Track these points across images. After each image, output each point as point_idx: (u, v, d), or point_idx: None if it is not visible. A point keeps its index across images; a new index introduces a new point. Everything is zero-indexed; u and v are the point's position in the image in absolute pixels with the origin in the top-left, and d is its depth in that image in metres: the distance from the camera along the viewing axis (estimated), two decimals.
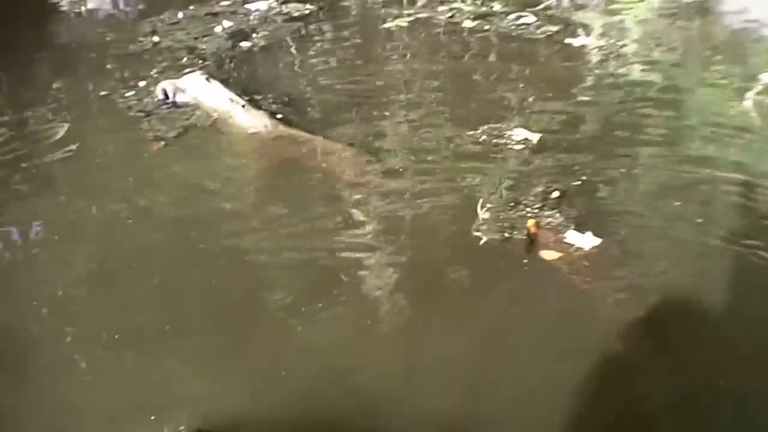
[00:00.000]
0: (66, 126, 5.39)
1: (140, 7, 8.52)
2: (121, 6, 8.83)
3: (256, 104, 5.44)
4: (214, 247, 3.91)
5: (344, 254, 3.82)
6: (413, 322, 3.33)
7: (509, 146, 4.68)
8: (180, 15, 7.63)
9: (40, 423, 2.98)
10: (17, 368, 3.24)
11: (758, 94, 5.20)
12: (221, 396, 3.03)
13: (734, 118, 4.95)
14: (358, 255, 3.79)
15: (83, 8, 8.64)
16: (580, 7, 7.41)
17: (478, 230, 3.83)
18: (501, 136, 4.79)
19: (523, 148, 4.65)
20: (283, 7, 7.76)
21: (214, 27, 7.20)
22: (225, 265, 3.78)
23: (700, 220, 3.91)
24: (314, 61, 6.52)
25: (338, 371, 3.10)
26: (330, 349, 3.23)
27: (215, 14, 7.62)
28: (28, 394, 3.10)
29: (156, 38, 7.03)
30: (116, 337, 3.31)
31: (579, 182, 4.25)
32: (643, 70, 5.86)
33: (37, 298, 3.62)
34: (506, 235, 3.78)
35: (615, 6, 7.43)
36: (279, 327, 3.37)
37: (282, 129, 5.11)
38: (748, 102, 5.10)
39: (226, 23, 7.26)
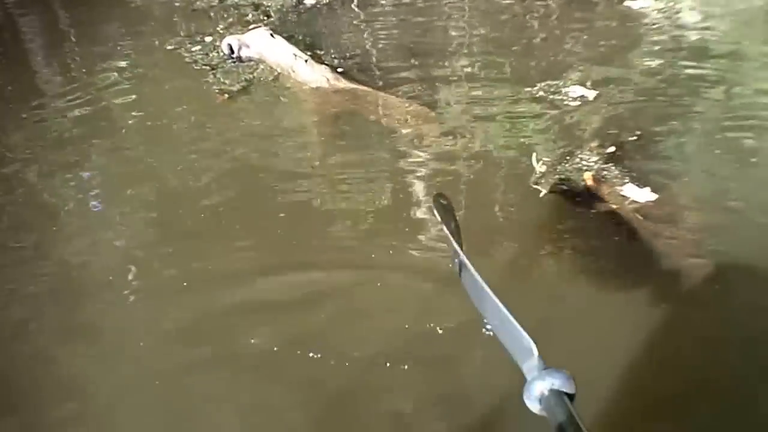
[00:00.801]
0: (135, 80, 5.47)
1: None
2: None
3: (318, 59, 5.43)
4: (279, 195, 3.93)
5: (403, 204, 3.80)
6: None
7: (566, 102, 4.63)
8: None
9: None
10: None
11: None
12: None
13: None
14: (417, 208, 3.78)
15: None
16: None
17: (536, 183, 3.79)
18: (558, 93, 4.74)
19: (580, 105, 4.59)
20: None
21: None
22: (289, 214, 3.77)
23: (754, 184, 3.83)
24: (376, 19, 6.48)
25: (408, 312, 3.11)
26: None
27: None
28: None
29: None
30: (184, 284, 3.35)
31: (635, 138, 4.18)
32: (701, 34, 5.70)
33: (103, 245, 3.69)
34: (564, 187, 3.74)
35: None
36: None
37: (343, 83, 5.10)
38: None
39: None
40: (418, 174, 4.03)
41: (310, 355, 2.83)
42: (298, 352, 2.85)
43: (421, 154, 4.24)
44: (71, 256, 3.59)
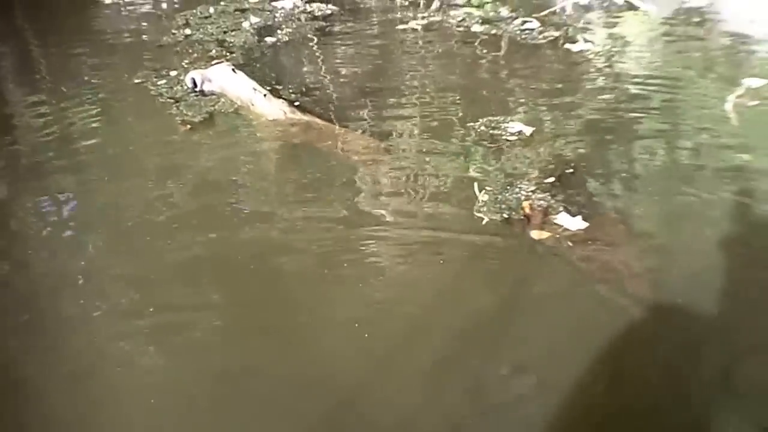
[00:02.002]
0: (102, 111, 5.52)
1: (176, 2, 8.63)
2: (158, 0, 8.96)
3: (277, 94, 5.52)
4: (235, 221, 4.02)
5: (354, 232, 3.89)
6: (419, 298, 3.42)
7: (504, 137, 4.76)
8: (211, 10, 7.73)
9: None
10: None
11: (738, 97, 5.23)
12: None
13: (716, 120, 5.00)
14: (367, 237, 3.86)
15: (122, 1, 8.77)
16: (582, 15, 7.45)
17: (479, 211, 3.91)
18: (498, 128, 4.87)
19: (518, 139, 4.73)
20: (307, 6, 7.84)
21: (242, 22, 7.29)
22: (244, 242, 3.85)
23: (687, 210, 4.00)
24: (333, 56, 6.59)
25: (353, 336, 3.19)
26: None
27: (244, 10, 7.72)
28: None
29: (188, 31, 7.12)
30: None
31: (571, 170, 4.31)
32: (637, 75, 5.88)
33: (63, 270, 3.72)
34: (505, 215, 3.86)
35: (616, 15, 7.46)
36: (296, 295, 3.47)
37: (300, 116, 5.19)
38: (728, 105, 5.14)
39: (254, 19, 7.35)
40: (372, 209, 4.12)
41: None
42: None
43: (374, 188, 4.33)
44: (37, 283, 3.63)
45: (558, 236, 3.67)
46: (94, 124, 5.29)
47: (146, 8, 8.55)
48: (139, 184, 4.46)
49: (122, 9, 8.60)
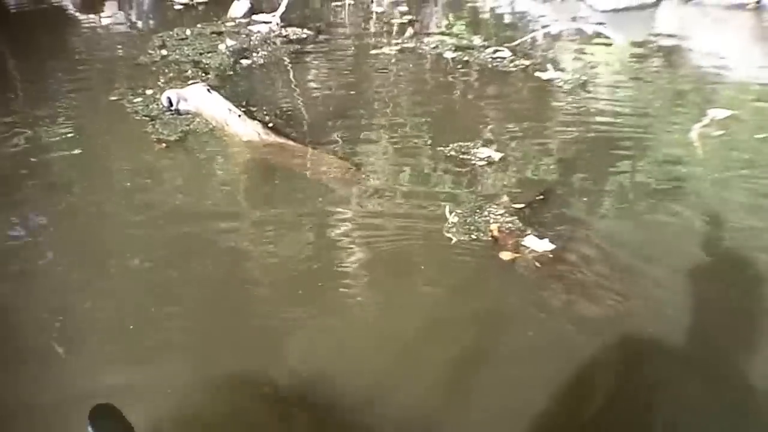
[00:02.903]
0: (77, 127, 5.52)
1: (152, 23, 8.68)
2: (134, 21, 8.99)
3: (251, 115, 5.55)
4: (206, 240, 4.03)
5: (326, 250, 3.94)
6: (387, 312, 3.47)
7: (473, 161, 4.84)
8: (188, 32, 7.76)
9: None
10: None
11: (703, 126, 5.36)
12: None
13: (681, 147, 5.13)
14: (338, 253, 3.91)
15: (99, 22, 8.79)
16: (553, 45, 7.58)
17: (448, 231, 3.97)
18: (468, 153, 4.95)
19: (486, 164, 4.81)
20: (283, 30, 7.91)
21: (218, 45, 7.33)
22: (215, 260, 3.87)
23: (653, 233, 4.10)
24: (307, 79, 6.68)
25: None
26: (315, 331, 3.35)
27: (220, 33, 7.77)
28: None
29: (164, 51, 7.16)
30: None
31: (540, 196, 4.38)
32: (607, 103, 6.01)
33: (38, 282, 3.72)
34: (473, 236, 3.92)
35: (586, 44, 7.59)
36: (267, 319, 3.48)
37: (273, 137, 5.23)
38: (693, 134, 5.26)
39: (230, 42, 7.40)
40: (344, 229, 4.17)
41: None
42: None
43: (346, 209, 4.38)
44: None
45: (526, 257, 3.73)
46: (67, 141, 5.28)
47: (122, 28, 8.60)
48: (112, 201, 4.48)
49: (98, 28, 8.63)
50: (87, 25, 8.75)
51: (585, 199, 4.45)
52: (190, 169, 4.88)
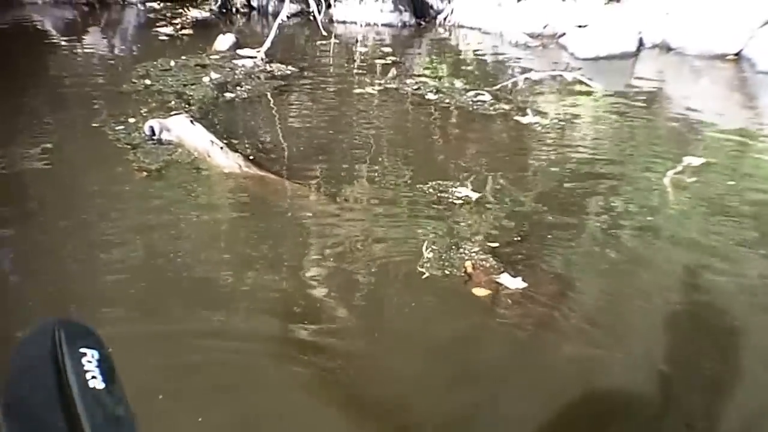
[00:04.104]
0: (58, 153, 5.63)
1: (135, 52, 8.86)
2: (117, 49, 9.18)
3: (233, 147, 5.71)
4: (184, 271, 4.09)
5: (303, 285, 4.03)
6: (360, 341, 3.58)
7: (451, 200, 5.01)
8: (172, 63, 7.96)
9: None
10: None
11: (676, 173, 5.59)
12: None
13: (655, 193, 5.36)
14: (315, 287, 4.01)
15: (82, 47, 8.97)
16: (534, 91, 7.83)
17: (422, 266, 4.13)
18: (446, 192, 5.12)
19: (464, 203, 4.98)
20: (268, 66, 8.12)
21: (202, 77, 7.52)
22: (191, 292, 3.93)
23: (624, 278, 4.27)
24: (290, 115, 6.87)
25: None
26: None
27: (204, 66, 7.97)
28: None
29: (148, 81, 7.33)
30: None
31: (517, 236, 4.57)
32: (584, 149, 6.24)
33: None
34: (446, 272, 4.08)
35: (566, 91, 7.85)
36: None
37: (254, 170, 5.39)
38: (667, 180, 5.49)
39: (214, 75, 7.60)
40: (318, 260, 4.30)
41: None
42: None
43: (321, 240, 4.52)
44: None
45: (499, 294, 3.89)
46: (48, 167, 5.38)
47: (105, 54, 8.77)
48: (86, 230, 4.54)
49: (80, 53, 8.80)
50: (69, 50, 8.93)
51: (559, 240, 4.62)
52: (169, 199, 4.98)
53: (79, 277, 4.02)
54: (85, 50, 9.06)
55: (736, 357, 3.59)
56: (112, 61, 8.62)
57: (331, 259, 4.28)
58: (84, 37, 9.98)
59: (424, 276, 4.05)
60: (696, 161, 5.80)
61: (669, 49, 9.55)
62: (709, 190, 5.43)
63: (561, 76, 8.00)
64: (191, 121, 5.84)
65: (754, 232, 4.78)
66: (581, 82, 7.82)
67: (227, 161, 5.47)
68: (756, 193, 5.41)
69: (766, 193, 5.40)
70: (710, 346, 3.68)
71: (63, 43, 9.27)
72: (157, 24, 10.56)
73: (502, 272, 4.08)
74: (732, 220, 4.95)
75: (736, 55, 9.18)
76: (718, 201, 5.27)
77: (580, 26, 9.56)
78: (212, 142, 5.62)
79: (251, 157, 5.61)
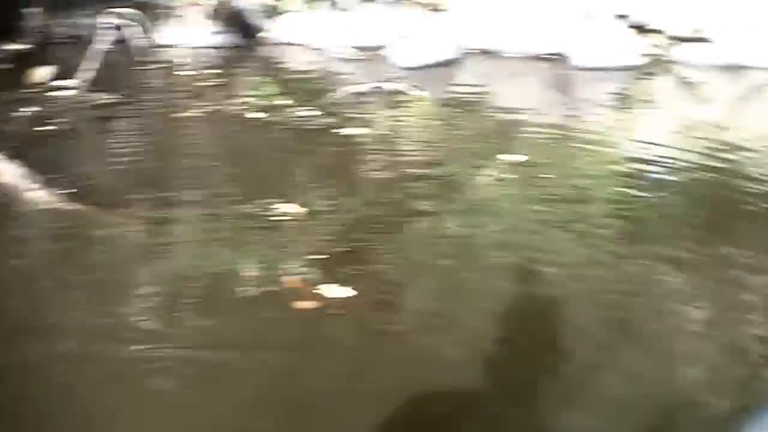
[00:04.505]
0: None
1: None
2: None
3: (53, 182, 5.57)
4: None
5: (122, 315, 4.01)
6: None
7: (278, 218, 5.10)
8: None
9: None
10: None
11: (501, 171, 5.93)
12: None
13: (480, 191, 5.68)
14: (133, 313, 4.03)
15: None
16: (361, 103, 7.98)
17: (242, 285, 4.20)
18: (273, 209, 5.19)
19: (291, 219, 5.08)
20: (89, 95, 7.95)
21: (18, 111, 7.28)
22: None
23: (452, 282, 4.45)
24: (113, 145, 6.75)
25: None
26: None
27: (20, 100, 7.68)
28: None
29: None
30: None
31: (346, 248, 4.72)
32: (411, 158, 6.47)
33: None
34: (266, 289, 4.19)
35: (391, 101, 8.04)
36: None
37: (73, 205, 5.28)
38: (491, 178, 5.83)
39: (31, 108, 7.36)
40: (136, 285, 4.31)
41: None
42: None
43: (146, 269, 4.52)
44: None
45: (325, 306, 4.00)
46: None
47: None
48: None
49: None
50: None
51: (389, 246, 4.83)
52: None
53: None
54: None
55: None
56: None
57: (152, 284, 4.29)
58: None
59: (246, 294, 4.14)
60: (514, 158, 6.10)
61: (490, 53, 9.92)
62: (530, 184, 5.75)
63: (384, 87, 8.19)
64: (5, 158, 5.67)
65: (573, 217, 5.14)
66: (406, 92, 8.03)
67: (44, 198, 5.34)
68: (574, 180, 5.81)
69: (584, 180, 5.82)
70: (540, 332, 3.92)
71: None
72: None
73: (331, 283, 4.19)
74: (554, 209, 5.28)
75: (554, 54, 9.63)
76: (539, 193, 5.59)
77: (402, 37, 9.80)
78: (28, 179, 5.48)
79: (74, 191, 5.48)
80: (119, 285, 4.30)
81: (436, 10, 10.26)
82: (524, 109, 7.89)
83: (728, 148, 6.53)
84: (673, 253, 4.60)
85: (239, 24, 10.94)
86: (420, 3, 10.26)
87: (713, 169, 6.11)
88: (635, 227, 5.09)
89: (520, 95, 8.67)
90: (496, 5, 10.04)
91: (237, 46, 10.71)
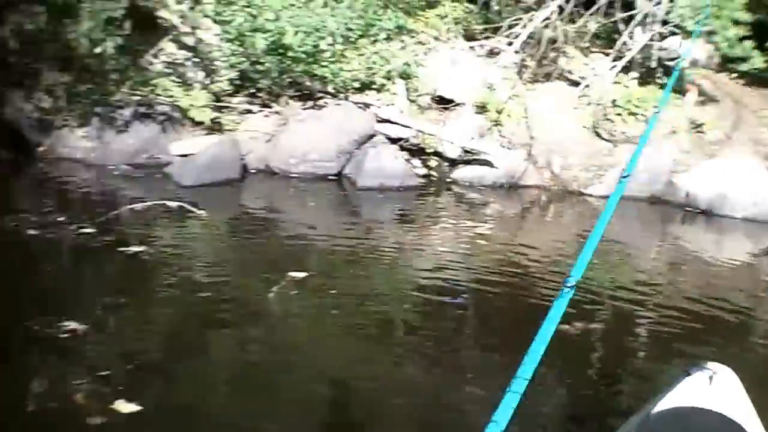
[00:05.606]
0: None
1: None
2: None
3: None
4: None
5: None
6: None
7: (57, 335, 4.98)
8: None
9: None
10: None
11: (281, 287, 6.08)
12: None
13: (263, 308, 5.86)
14: None
15: None
16: (140, 221, 7.88)
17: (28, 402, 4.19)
18: (52, 327, 5.05)
19: (73, 336, 4.99)
20: None
21: None
22: None
23: None
24: None
25: None
26: None
27: None
28: None
29: None
30: None
31: (132, 365, 4.71)
32: (200, 276, 6.54)
33: None
34: (51, 404, 4.19)
35: (174, 219, 8.02)
36: None
37: None
38: (272, 295, 5.94)
39: None
40: None
41: None
42: None
43: None
44: None
45: (112, 420, 4.04)
46: None
47: None
48: None
49: None
50: None
51: (176, 366, 4.90)
52: None
53: None
54: None
55: None
56: None
57: None
58: None
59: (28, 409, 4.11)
60: (299, 275, 6.30)
61: (273, 173, 10.13)
62: (312, 300, 6.06)
63: (166, 204, 8.16)
64: None
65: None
66: (187, 210, 8.03)
67: None
68: (353, 299, 6.12)
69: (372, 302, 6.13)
70: None
71: None
72: None
73: (116, 399, 4.19)
74: (338, 325, 5.67)
75: (337, 175, 10.03)
76: (320, 310, 5.94)
77: (183, 155, 9.83)
78: None
79: None
80: None
81: (218, 131, 10.40)
82: (308, 226, 8.39)
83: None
84: None
85: (10, 137, 10.51)
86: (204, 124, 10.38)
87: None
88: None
89: (305, 214, 9.01)
90: (280, 127, 10.35)
91: (4, 160, 10.26)
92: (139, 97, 10.44)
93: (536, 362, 1.77)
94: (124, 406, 4.11)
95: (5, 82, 10.41)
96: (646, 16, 11.03)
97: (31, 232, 7.19)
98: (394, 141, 10.32)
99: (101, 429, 3.99)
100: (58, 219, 7.60)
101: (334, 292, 6.20)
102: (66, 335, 4.95)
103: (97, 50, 9.67)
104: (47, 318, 5.15)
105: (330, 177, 10.05)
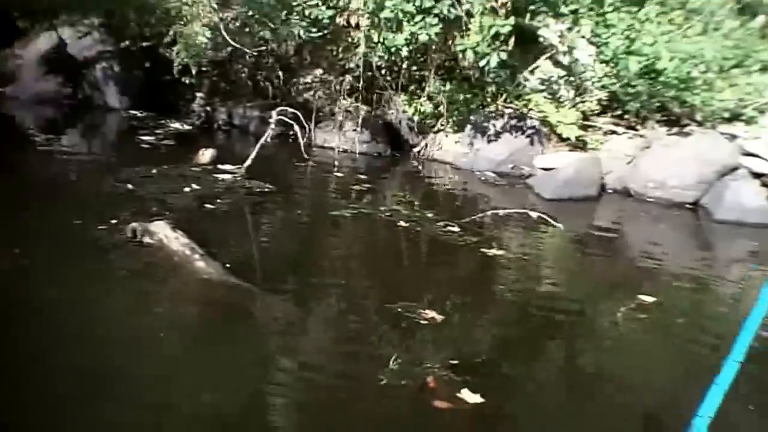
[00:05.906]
0: (32, 252, 5.86)
1: (116, 156, 9.36)
2: (97, 153, 9.68)
3: (211, 255, 6.10)
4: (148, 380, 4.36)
5: (266, 397, 4.40)
6: None
7: (417, 320, 5.39)
8: (154, 171, 8.42)
9: None
10: None
11: (629, 309, 6.03)
12: None
13: (607, 329, 5.86)
14: (279, 398, 4.39)
15: (59, 146, 9.54)
16: (501, 226, 8.34)
17: (383, 376, 4.52)
18: (412, 312, 5.48)
19: (428, 324, 5.37)
20: (247, 182, 8.62)
21: (183, 187, 8.02)
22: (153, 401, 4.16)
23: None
24: (266, 230, 7.42)
25: None
26: None
27: (185, 176, 8.43)
28: None
29: (130, 186, 7.78)
30: None
31: (478, 359, 4.99)
32: (546, 285, 6.83)
33: None
34: (404, 382, 4.49)
35: (532, 229, 8.33)
36: None
37: (231, 279, 5.77)
38: (619, 315, 5.94)
39: (195, 186, 8.07)
40: (279, 372, 4.72)
41: None
42: None
43: (284, 357, 4.93)
44: None
45: (457, 408, 4.29)
46: (24, 268, 5.62)
47: (84, 154, 9.31)
48: (60, 325, 4.81)
49: (57, 153, 9.39)
50: (48, 149, 9.53)
51: (518, 363, 5.13)
52: (149, 303, 5.37)
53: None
54: (66, 150, 9.56)
55: None
56: (93, 164, 9.10)
57: (297, 369, 4.73)
58: (65, 137, 10.51)
59: (382, 382, 4.46)
60: (648, 299, 6.26)
61: (629, 195, 10.18)
62: (658, 327, 5.92)
63: (526, 213, 8.53)
64: (173, 228, 6.25)
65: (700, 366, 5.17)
66: (545, 221, 8.34)
67: (206, 268, 5.86)
68: (702, 333, 5.86)
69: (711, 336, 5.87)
70: None
71: (41, 140, 9.74)
72: (139, 132, 11.08)
73: (462, 388, 4.46)
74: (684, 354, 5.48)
75: (694, 204, 9.83)
76: (665, 336, 5.81)
77: (546, 168, 10.23)
78: (193, 248, 6.02)
79: (227, 265, 5.98)
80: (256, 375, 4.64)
81: (581, 148, 10.66)
82: (659, 252, 8.20)
83: None
84: None
85: (390, 136, 11.63)
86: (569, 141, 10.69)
87: None
88: None
89: (656, 239, 8.84)
90: (643, 150, 10.37)
91: (386, 156, 11.35)
92: (511, 110, 10.99)
93: None
94: (469, 396, 4.36)
95: (392, 86, 11.51)
96: None
97: (402, 223, 7.88)
98: (757, 176, 9.85)
99: (446, 413, 4.25)
100: (427, 215, 8.26)
101: (681, 321, 6.07)
102: (425, 322, 5.35)
103: (481, 63, 10.23)
104: (410, 304, 5.58)
105: (686, 205, 9.81)
